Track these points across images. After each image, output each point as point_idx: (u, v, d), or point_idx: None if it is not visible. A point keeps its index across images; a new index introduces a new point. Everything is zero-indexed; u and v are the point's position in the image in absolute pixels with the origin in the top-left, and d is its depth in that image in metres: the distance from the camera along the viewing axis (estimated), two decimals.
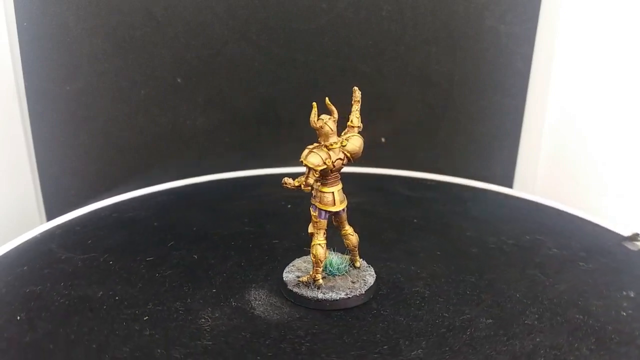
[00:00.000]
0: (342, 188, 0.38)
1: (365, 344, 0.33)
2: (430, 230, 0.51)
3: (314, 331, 0.35)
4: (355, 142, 0.37)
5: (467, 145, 0.77)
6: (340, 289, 0.38)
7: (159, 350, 0.32)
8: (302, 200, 0.43)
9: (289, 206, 0.56)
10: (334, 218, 0.39)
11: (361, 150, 0.37)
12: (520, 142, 0.79)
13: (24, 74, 0.67)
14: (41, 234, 0.50)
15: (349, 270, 0.40)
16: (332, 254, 0.41)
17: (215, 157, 0.74)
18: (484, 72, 0.74)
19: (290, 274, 0.40)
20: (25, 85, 0.67)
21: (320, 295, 0.37)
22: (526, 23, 0.73)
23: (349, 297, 0.37)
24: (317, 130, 0.36)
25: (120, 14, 0.65)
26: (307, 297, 0.37)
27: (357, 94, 0.38)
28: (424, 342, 0.33)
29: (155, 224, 0.52)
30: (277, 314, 0.36)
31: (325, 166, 0.35)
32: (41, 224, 0.73)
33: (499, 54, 0.73)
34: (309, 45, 0.70)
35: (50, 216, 0.73)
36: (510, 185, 0.80)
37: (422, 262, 0.44)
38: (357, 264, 0.41)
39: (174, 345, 0.33)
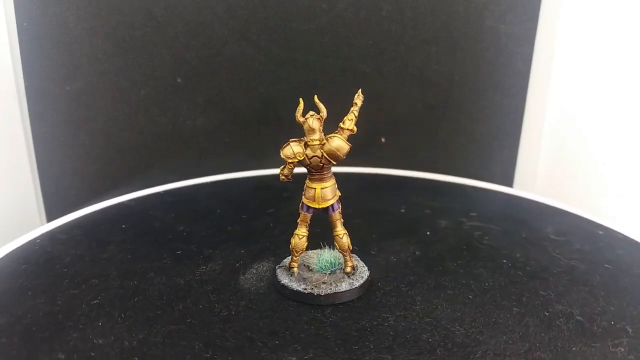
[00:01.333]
0: (335, 189, 0.38)
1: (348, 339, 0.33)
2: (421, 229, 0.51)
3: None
4: (333, 143, 0.37)
5: (467, 145, 0.78)
6: (316, 283, 0.38)
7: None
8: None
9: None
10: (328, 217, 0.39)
11: (341, 153, 0.37)
12: (520, 142, 0.79)
13: (24, 74, 0.67)
14: (41, 235, 0.50)
15: (339, 269, 0.40)
16: (325, 251, 0.41)
17: (215, 157, 0.74)
18: (484, 72, 0.74)
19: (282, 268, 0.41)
20: (25, 85, 0.67)
21: (296, 287, 0.38)
22: (526, 23, 0.73)
23: (332, 293, 0.37)
24: (301, 125, 0.37)
25: (120, 14, 0.65)
26: (288, 287, 0.38)
27: (358, 97, 0.37)
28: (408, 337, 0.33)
29: (156, 225, 0.52)
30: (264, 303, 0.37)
31: (296, 160, 0.37)
32: (41, 224, 0.73)
33: (499, 54, 0.73)
34: (309, 45, 0.70)
35: (50, 216, 0.73)
36: (510, 185, 0.80)
37: (414, 261, 0.44)
38: (347, 269, 0.39)
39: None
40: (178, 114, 0.71)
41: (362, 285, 0.39)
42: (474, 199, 0.61)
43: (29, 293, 0.39)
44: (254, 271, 0.42)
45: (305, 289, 0.38)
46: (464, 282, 0.41)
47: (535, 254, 0.46)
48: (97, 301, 0.38)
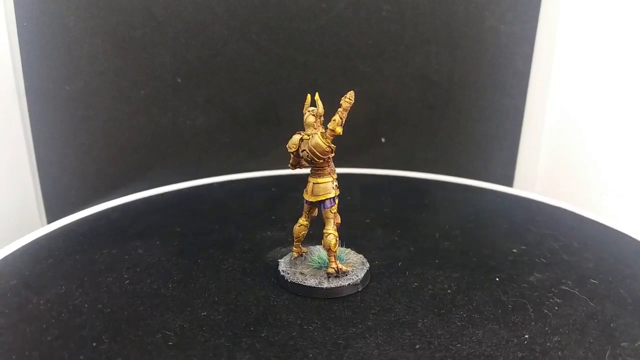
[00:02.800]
0: (330, 187, 0.39)
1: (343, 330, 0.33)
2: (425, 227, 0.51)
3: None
4: (312, 141, 0.37)
5: (467, 145, 0.78)
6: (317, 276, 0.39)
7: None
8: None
9: None
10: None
11: (317, 151, 0.37)
12: (520, 142, 0.79)
13: (24, 74, 0.67)
14: (42, 236, 0.50)
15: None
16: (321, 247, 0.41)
17: (215, 157, 0.74)
18: (484, 72, 0.74)
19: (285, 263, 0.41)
20: (25, 85, 0.67)
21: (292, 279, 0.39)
22: (526, 23, 0.73)
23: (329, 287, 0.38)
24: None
25: (120, 14, 0.65)
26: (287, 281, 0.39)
27: (344, 99, 0.37)
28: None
29: (156, 225, 0.52)
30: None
31: (291, 150, 0.39)
32: (41, 223, 0.73)
33: (499, 54, 0.73)
34: (309, 45, 0.71)
35: (50, 216, 0.73)
36: (510, 185, 0.80)
37: (413, 256, 0.44)
38: (329, 269, 0.39)
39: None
40: (178, 114, 0.71)
41: (359, 282, 0.39)
42: (474, 199, 0.61)
43: (30, 293, 0.39)
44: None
45: (297, 280, 0.39)
46: (463, 281, 0.41)
47: (538, 255, 0.46)
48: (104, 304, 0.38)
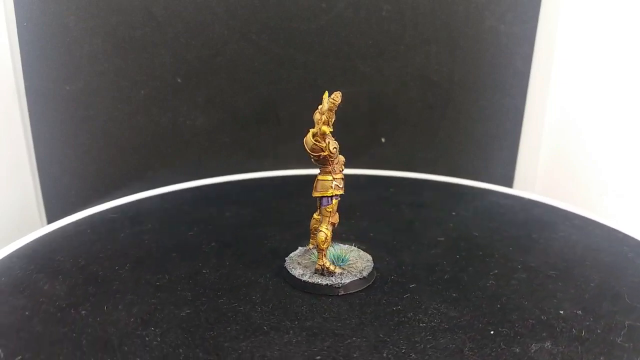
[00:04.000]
0: (329, 186, 0.39)
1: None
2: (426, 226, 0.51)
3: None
4: (306, 136, 0.38)
5: (467, 145, 0.78)
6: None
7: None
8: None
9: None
10: None
11: (306, 148, 0.38)
12: (520, 142, 0.79)
13: (24, 74, 0.67)
14: (42, 236, 0.50)
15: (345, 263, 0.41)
16: (333, 246, 0.42)
17: (215, 157, 0.74)
18: (484, 72, 0.74)
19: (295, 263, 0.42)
20: (25, 85, 0.67)
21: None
22: (526, 23, 0.73)
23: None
24: None
25: (120, 14, 0.65)
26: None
27: (331, 98, 0.37)
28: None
29: (156, 225, 0.52)
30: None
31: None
32: (41, 223, 0.73)
33: (499, 54, 0.73)
34: (309, 45, 0.71)
35: (50, 216, 0.73)
36: (510, 185, 0.80)
37: (416, 255, 0.44)
38: (316, 265, 0.40)
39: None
40: (178, 114, 0.71)
41: (340, 286, 0.39)
42: (474, 200, 0.61)
43: (29, 293, 0.39)
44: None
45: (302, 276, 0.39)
46: (464, 282, 0.41)
47: (541, 256, 0.46)
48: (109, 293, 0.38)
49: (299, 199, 0.60)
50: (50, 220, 0.73)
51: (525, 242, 0.48)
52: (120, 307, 0.37)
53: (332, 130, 0.38)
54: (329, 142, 0.38)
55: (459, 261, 0.45)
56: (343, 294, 0.39)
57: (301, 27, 0.70)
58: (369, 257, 0.43)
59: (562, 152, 0.75)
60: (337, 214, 0.40)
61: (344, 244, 0.44)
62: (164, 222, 0.53)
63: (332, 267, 0.40)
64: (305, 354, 0.32)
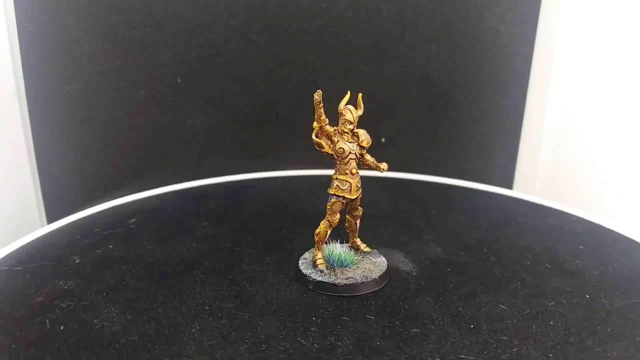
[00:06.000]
0: (334, 185, 0.40)
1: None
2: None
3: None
4: None
5: (467, 146, 0.77)
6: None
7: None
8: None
9: None
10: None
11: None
12: (520, 142, 0.79)
13: (24, 74, 0.67)
14: (41, 236, 0.50)
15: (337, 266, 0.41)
16: (336, 245, 0.42)
17: (215, 157, 0.74)
18: (484, 72, 0.74)
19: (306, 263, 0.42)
20: (25, 85, 0.67)
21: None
22: (526, 23, 0.73)
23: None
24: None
25: (120, 14, 0.65)
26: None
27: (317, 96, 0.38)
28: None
29: (155, 225, 0.52)
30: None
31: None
32: (41, 223, 0.73)
33: (499, 54, 0.73)
34: (309, 45, 0.70)
35: (50, 216, 0.73)
36: (510, 185, 0.80)
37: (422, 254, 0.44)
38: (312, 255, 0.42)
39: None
40: (178, 114, 0.71)
41: (376, 280, 0.40)
42: (474, 201, 0.61)
43: (29, 293, 0.39)
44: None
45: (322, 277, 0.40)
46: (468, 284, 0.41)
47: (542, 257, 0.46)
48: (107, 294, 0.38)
49: (299, 199, 0.60)
50: (50, 220, 0.73)
51: (535, 247, 0.48)
52: (120, 306, 0.37)
53: (322, 125, 0.39)
54: (337, 141, 0.39)
55: (464, 265, 0.45)
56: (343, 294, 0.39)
57: (301, 27, 0.70)
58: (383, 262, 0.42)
59: (562, 152, 0.75)
60: (337, 215, 0.40)
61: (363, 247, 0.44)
62: (165, 222, 0.53)
63: (319, 262, 0.41)
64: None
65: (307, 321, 0.36)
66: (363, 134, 0.40)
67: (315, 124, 0.39)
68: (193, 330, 0.34)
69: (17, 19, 0.65)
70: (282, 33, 0.70)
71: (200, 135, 0.72)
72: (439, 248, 0.47)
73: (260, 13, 0.68)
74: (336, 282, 0.39)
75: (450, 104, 0.75)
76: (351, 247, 0.43)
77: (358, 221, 0.42)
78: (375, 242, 0.46)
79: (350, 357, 0.32)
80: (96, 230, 0.51)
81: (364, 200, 0.41)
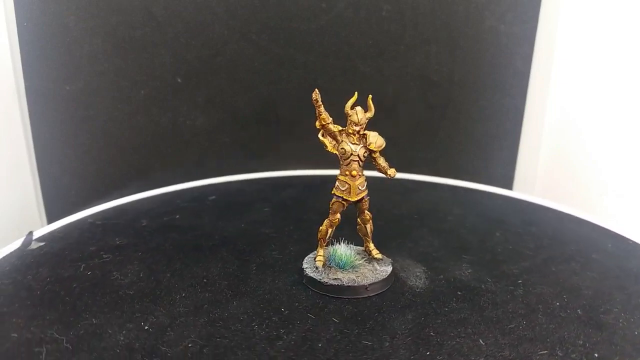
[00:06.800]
0: (336, 185, 0.40)
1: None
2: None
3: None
4: None
5: (467, 146, 0.77)
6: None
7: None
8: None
9: None
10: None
11: None
12: (520, 142, 0.79)
13: (24, 74, 0.67)
14: (41, 236, 0.50)
15: (353, 264, 0.41)
16: (341, 246, 0.42)
17: (215, 157, 0.74)
18: (484, 72, 0.74)
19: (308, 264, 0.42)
20: (25, 85, 0.67)
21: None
22: (526, 23, 0.73)
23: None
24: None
25: (120, 14, 0.65)
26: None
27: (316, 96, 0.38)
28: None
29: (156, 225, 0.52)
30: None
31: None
32: (41, 223, 0.73)
33: (499, 54, 0.73)
34: (309, 45, 0.70)
35: (50, 216, 0.73)
36: (510, 185, 0.80)
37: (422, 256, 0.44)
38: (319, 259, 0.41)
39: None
40: (178, 114, 0.71)
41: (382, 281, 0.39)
42: (474, 201, 0.61)
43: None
44: None
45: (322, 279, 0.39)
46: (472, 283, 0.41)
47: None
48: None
49: (301, 199, 0.60)
50: (50, 220, 0.73)
51: (540, 250, 0.48)
52: (120, 307, 0.37)
53: (324, 124, 0.39)
54: (341, 142, 0.39)
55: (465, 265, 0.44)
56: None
57: (301, 27, 0.70)
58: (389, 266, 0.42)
59: (562, 152, 0.75)
60: (337, 215, 0.40)
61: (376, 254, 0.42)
62: (165, 223, 0.53)
63: (317, 259, 0.41)
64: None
65: (276, 311, 0.36)
66: (373, 137, 0.39)
67: (317, 124, 0.39)
68: (178, 296, 0.38)
69: (17, 19, 0.65)
70: (282, 33, 0.70)
71: (200, 135, 0.72)
72: (469, 271, 0.43)
73: (260, 13, 0.68)
74: (322, 280, 0.39)
75: (450, 104, 0.75)
76: (364, 252, 0.43)
77: (368, 225, 0.41)
78: (407, 253, 0.45)
79: (283, 351, 0.32)
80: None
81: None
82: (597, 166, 0.71)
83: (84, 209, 0.56)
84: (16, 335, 0.33)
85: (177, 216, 0.53)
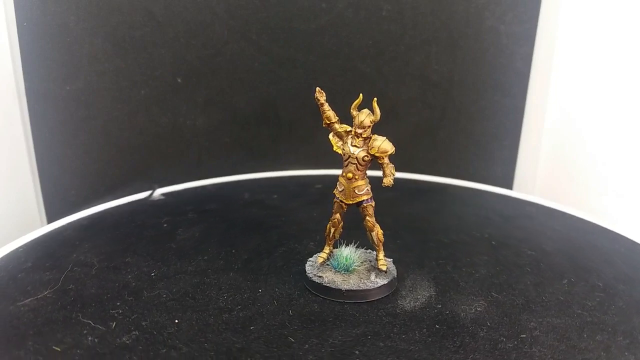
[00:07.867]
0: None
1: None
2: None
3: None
4: None
5: (467, 146, 0.77)
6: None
7: None
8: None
9: None
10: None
11: None
12: (520, 142, 0.79)
13: (24, 74, 0.67)
14: (41, 236, 0.50)
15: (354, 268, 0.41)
16: (346, 249, 0.41)
17: (215, 157, 0.74)
18: (484, 72, 0.74)
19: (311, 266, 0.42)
20: (25, 85, 0.67)
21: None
22: (526, 23, 0.73)
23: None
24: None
25: (120, 14, 0.65)
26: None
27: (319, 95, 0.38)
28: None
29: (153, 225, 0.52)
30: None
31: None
32: (41, 223, 0.73)
33: (499, 54, 0.73)
34: (309, 45, 0.70)
35: (50, 216, 0.73)
36: (510, 185, 0.80)
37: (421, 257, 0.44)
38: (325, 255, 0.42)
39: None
40: (178, 114, 0.71)
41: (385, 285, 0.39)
42: (474, 202, 0.61)
43: (30, 293, 0.39)
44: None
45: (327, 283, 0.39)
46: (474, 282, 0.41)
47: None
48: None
49: (301, 199, 0.61)
50: (50, 220, 0.73)
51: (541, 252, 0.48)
52: (120, 307, 0.37)
53: (328, 123, 0.39)
54: (345, 142, 0.39)
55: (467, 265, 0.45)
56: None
57: (301, 27, 0.70)
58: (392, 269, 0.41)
59: (562, 152, 0.75)
60: (336, 215, 0.40)
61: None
62: (166, 223, 0.53)
63: (320, 255, 0.41)
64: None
65: (255, 301, 0.38)
66: (378, 142, 0.38)
67: (323, 123, 0.39)
68: (165, 286, 0.39)
69: (17, 19, 0.64)
70: (282, 33, 0.70)
71: (200, 135, 0.72)
72: (481, 306, 0.38)
73: (260, 13, 0.68)
74: (308, 274, 0.40)
75: (450, 104, 0.75)
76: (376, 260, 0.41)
77: (373, 234, 0.39)
78: (430, 273, 0.42)
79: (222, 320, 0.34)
80: (96, 230, 0.51)
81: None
82: (597, 166, 0.71)
83: (83, 209, 0.56)
84: None
85: (214, 205, 0.58)
